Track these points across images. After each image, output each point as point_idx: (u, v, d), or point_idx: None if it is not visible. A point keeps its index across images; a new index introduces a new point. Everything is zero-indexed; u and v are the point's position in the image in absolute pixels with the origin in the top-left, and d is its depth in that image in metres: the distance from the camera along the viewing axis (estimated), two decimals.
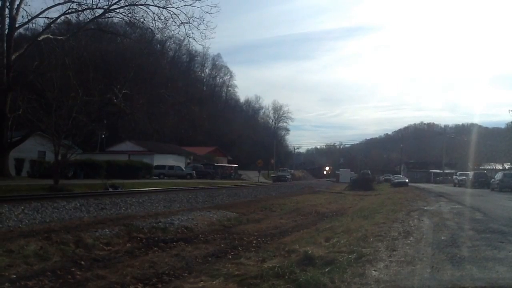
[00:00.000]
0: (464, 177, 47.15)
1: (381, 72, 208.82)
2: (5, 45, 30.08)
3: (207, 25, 51.75)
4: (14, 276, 7.13)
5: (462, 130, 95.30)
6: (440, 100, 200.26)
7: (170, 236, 12.22)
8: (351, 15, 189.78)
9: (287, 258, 7.83)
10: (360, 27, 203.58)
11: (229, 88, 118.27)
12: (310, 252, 7.69)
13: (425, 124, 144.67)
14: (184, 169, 53.88)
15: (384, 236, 9.78)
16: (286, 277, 6.17)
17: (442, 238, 9.34)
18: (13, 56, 30.53)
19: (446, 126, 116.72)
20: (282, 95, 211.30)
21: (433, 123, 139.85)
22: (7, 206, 14.02)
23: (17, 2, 30.58)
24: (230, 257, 9.30)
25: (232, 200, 26.31)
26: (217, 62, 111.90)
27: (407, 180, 55.92)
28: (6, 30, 30.53)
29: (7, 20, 30.60)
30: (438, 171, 75.24)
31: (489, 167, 60.59)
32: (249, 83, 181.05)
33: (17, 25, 31.26)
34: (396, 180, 55.77)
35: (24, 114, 28.61)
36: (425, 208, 17.54)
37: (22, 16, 31.35)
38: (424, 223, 12.36)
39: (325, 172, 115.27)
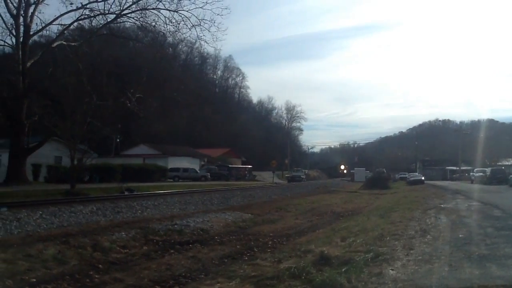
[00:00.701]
0: (481, 173, 46.34)
1: (393, 69, 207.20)
2: (20, 52, 30.53)
3: (218, 27, 51.63)
4: (34, 280, 7.25)
5: (478, 126, 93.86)
6: (455, 96, 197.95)
7: (186, 238, 12.28)
8: (360, 13, 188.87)
9: (303, 258, 7.80)
10: (370, 25, 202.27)
11: (242, 89, 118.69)
12: (326, 252, 7.65)
13: (440, 120, 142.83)
14: (198, 171, 54.10)
15: (401, 235, 9.69)
16: (303, 277, 6.15)
17: (460, 236, 9.21)
18: (28, 63, 30.95)
19: (461, 123, 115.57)
20: (294, 95, 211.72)
21: (448, 120, 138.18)
22: (26, 211, 14.23)
23: (31, 10, 31.03)
24: (246, 258, 9.31)
25: (247, 201, 26.33)
26: (229, 64, 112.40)
27: (422, 178, 55.28)
28: (21, 38, 30.99)
29: (21, 28, 31.07)
30: (454, 168, 74.33)
31: (507, 163, 59.69)
32: (261, 84, 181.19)
33: (31, 33, 31.69)
34: (412, 178, 55.21)
35: (40, 120, 28.98)
36: (442, 205, 17.33)
37: (36, 23, 31.80)
38: (441, 221, 12.21)
39: (340, 171, 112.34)
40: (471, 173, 52.87)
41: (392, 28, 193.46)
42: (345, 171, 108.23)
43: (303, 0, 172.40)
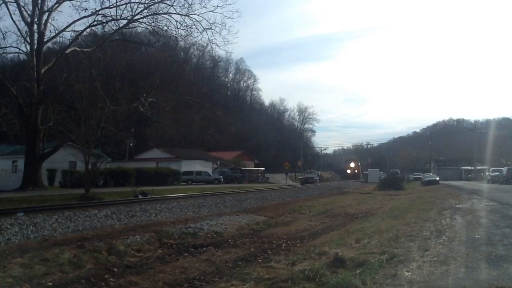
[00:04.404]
0: (497, 173, 45.58)
1: (405, 69, 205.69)
2: (35, 59, 30.96)
3: (229, 30, 52.21)
4: (51, 284, 7.33)
5: (493, 125, 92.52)
6: (469, 95, 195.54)
7: (200, 241, 12.31)
8: (370, 14, 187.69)
9: (317, 260, 7.77)
10: (381, 26, 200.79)
11: (253, 92, 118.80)
12: (340, 254, 7.62)
13: (454, 120, 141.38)
14: (211, 174, 54.20)
15: (416, 236, 9.61)
16: (317, 279, 6.13)
17: (476, 236, 9.11)
18: (43, 70, 31.38)
19: (476, 122, 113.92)
20: (306, 96, 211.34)
21: (463, 119, 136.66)
22: (42, 216, 14.43)
23: (44, 18, 31.46)
24: (260, 261, 9.29)
25: (260, 204, 26.34)
26: (240, 67, 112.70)
27: (437, 178, 54.73)
28: (36, 45, 31.43)
29: (36, 36, 31.51)
30: (469, 167, 73.34)
31: None
32: (273, 86, 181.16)
33: (45, 40, 32.13)
34: (427, 179, 54.66)
35: (55, 126, 29.34)
36: (458, 206, 17.15)
37: (50, 30, 32.28)
38: (457, 221, 12.09)
39: (349, 171, 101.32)
40: (487, 173, 52.11)
41: (403, 28, 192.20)
42: (355, 171, 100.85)
43: (311, 2, 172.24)
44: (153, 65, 47.21)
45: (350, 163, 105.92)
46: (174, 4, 31.74)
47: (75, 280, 7.62)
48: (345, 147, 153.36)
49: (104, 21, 32.41)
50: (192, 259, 9.77)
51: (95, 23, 32.43)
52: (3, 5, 30.13)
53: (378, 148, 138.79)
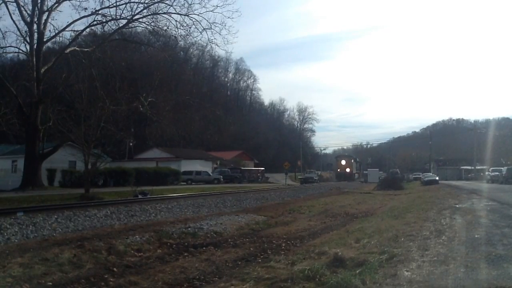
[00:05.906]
0: (497, 173, 45.55)
1: (404, 69, 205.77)
2: (34, 59, 30.97)
3: (229, 30, 52.39)
4: (50, 284, 7.32)
5: (493, 125, 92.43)
6: (469, 95, 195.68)
7: (199, 241, 12.31)
8: (369, 13, 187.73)
9: (317, 260, 7.77)
10: (380, 25, 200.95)
11: (253, 92, 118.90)
12: (340, 253, 7.62)
13: (453, 120, 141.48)
14: (211, 174, 54.20)
15: (416, 236, 9.61)
16: (317, 279, 6.14)
17: (476, 236, 9.10)
18: (43, 70, 31.39)
19: (476, 121, 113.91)
20: (306, 96, 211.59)
21: (462, 119, 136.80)
22: (41, 215, 14.41)
23: (44, 17, 31.48)
24: (260, 260, 9.29)
25: (260, 204, 26.31)
26: (240, 66, 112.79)
27: (437, 178, 54.74)
28: (35, 45, 31.46)
29: (35, 35, 31.53)
30: (469, 167, 73.29)
31: None
32: (272, 86, 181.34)
33: (45, 39, 32.16)
34: (426, 178, 54.64)
35: (55, 126, 29.34)
36: (457, 206, 17.13)
37: (50, 30, 32.34)
38: (457, 221, 12.08)
39: (339, 170, 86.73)
40: (487, 173, 52.08)
41: (403, 28, 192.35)
42: (347, 170, 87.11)
43: (310, 1, 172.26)
44: (153, 65, 47.24)
45: (341, 160, 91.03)
46: (174, 4, 31.86)
47: (74, 280, 7.62)
48: (345, 147, 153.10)
49: (104, 20, 32.47)
50: (191, 259, 9.77)
51: (94, 22, 32.52)
52: (3, 4, 30.21)
53: (377, 148, 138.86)
